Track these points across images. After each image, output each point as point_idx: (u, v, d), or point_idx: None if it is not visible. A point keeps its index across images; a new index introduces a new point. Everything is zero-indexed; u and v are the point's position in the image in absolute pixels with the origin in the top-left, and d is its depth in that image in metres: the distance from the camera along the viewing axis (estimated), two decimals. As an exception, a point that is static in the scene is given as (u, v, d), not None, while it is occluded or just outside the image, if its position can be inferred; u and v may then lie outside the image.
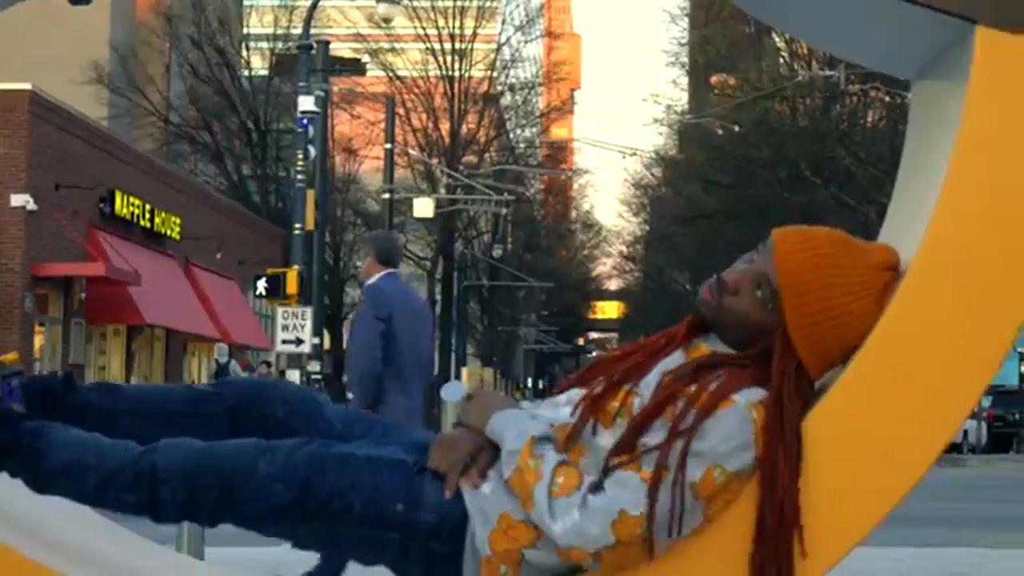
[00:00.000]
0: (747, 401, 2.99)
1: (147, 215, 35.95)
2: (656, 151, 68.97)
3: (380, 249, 8.75)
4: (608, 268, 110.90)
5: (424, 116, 58.59)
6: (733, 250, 59.25)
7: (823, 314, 3.06)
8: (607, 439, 3.06)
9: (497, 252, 66.78)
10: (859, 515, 3.00)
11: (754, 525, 2.95)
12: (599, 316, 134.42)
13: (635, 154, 50.35)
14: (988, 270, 3.05)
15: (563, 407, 3.17)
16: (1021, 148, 3.02)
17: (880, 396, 3.03)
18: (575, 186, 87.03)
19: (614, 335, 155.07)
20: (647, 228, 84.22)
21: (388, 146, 43.55)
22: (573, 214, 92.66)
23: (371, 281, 8.71)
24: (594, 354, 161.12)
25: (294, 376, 29.55)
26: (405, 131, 55.77)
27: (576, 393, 3.19)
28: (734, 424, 2.96)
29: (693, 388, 2.99)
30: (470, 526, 3.08)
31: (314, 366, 31.44)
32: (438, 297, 57.49)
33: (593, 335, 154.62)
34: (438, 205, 50.01)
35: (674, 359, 3.13)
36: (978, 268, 3.06)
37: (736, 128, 45.24)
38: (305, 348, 29.88)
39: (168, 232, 37.93)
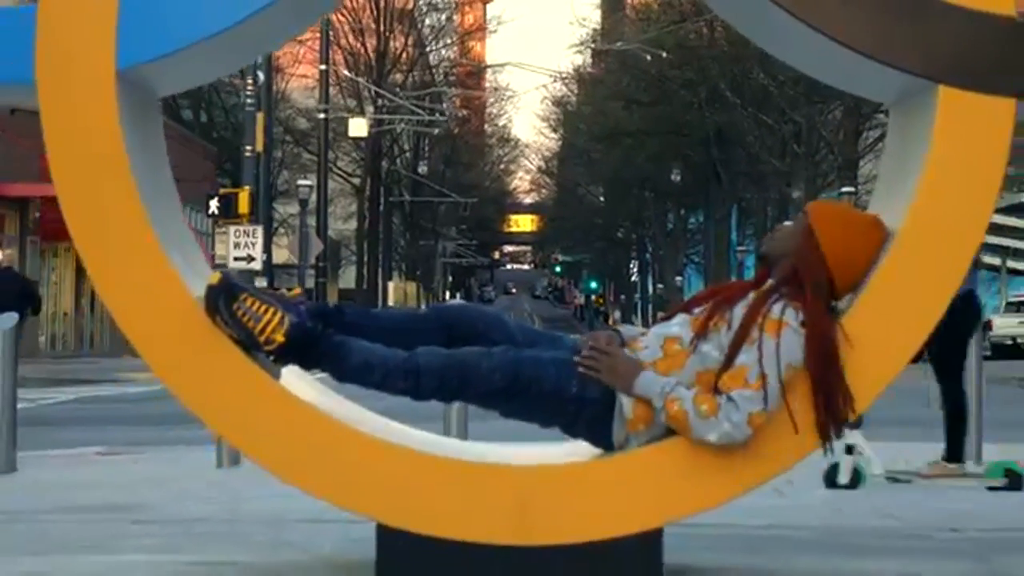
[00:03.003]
0: (796, 321, 4.77)
1: (95, 136, 37.18)
2: (577, 70, 70.49)
3: None
4: (525, 183, 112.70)
5: (351, 36, 59.74)
6: (651, 166, 60.75)
7: (847, 253, 4.84)
8: (707, 346, 4.81)
9: (422, 169, 68.31)
10: (874, 380, 4.78)
11: (815, 388, 4.74)
12: (514, 229, 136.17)
13: (565, 79, 51.81)
14: (947, 236, 4.85)
15: (673, 326, 4.94)
16: (971, 168, 4.82)
17: (886, 308, 4.82)
18: (495, 103, 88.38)
19: (528, 248, 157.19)
20: (562, 144, 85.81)
21: (323, 67, 44.80)
22: (489, 129, 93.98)
23: None
24: (509, 267, 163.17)
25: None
26: (333, 50, 56.93)
27: (682, 317, 4.96)
28: (792, 339, 4.74)
29: (761, 318, 4.75)
30: (618, 399, 4.84)
31: (261, 282, 32.96)
32: (366, 213, 58.97)
33: (508, 248, 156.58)
34: (371, 124, 51.36)
35: (750, 297, 4.91)
36: (941, 234, 4.85)
37: (664, 54, 46.88)
38: (256, 265, 31.44)
39: (113, 152, 39.13)
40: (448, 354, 4.88)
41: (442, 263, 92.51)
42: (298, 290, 5.20)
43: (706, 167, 55.15)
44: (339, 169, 60.09)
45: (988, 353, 37.76)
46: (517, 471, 4.89)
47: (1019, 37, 4.84)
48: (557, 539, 4.73)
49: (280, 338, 4.78)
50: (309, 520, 6.40)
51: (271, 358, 4.88)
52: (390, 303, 60.43)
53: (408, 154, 70.08)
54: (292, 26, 5.72)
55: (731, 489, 4.87)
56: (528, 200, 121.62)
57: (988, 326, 41.54)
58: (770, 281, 4.95)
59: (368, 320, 5.12)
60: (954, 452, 9.29)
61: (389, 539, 4.80)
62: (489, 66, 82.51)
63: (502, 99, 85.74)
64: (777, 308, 4.81)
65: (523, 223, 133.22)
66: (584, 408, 4.87)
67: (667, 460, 4.80)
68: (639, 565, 4.79)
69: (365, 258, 58.95)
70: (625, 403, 4.84)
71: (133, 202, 4.80)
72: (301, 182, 41.71)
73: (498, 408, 4.97)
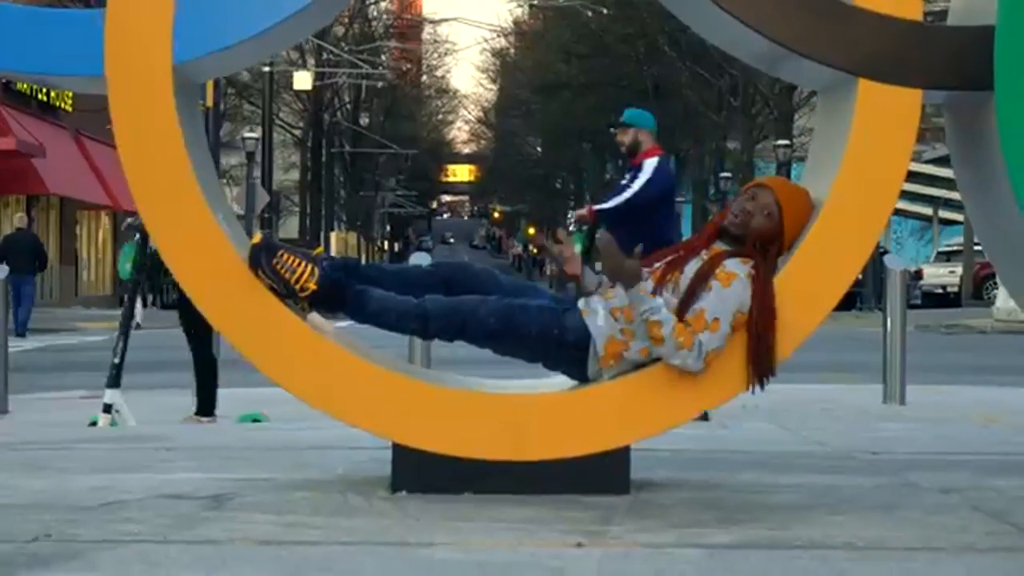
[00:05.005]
0: (744, 274, 5.75)
1: (43, 88, 37.57)
2: (516, 22, 71.14)
3: None
4: (464, 134, 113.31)
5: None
6: (589, 118, 61.59)
7: (797, 227, 5.84)
8: (665, 295, 5.76)
9: (363, 120, 68.93)
10: (802, 324, 5.79)
11: (752, 334, 5.72)
12: (452, 179, 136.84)
13: (507, 35, 52.45)
14: (864, 206, 5.83)
15: None
16: (883, 150, 5.80)
17: (813, 268, 5.81)
18: (435, 55, 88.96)
19: (466, 198, 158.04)
20: (501, 94, 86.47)
21: (267, 21, 45.29)
22: (427, 80, 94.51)
23: None
24: (446, 216, 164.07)
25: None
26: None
27: (645, 270, 5.92)
28: (741, 289, 5.73)
29: (717, 271, 5.74)
30: (592, 340, 5.81)
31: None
32: (308, 165, 59.63)
33: (447, 198, 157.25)
34: (314, 77, 51.94)
35: (701, 256, 5.88)
36: (860, 206, 5.84)
37: (604, 11, 47.74)
38: (208, 217, 32.15)
39: (61, 104, 39.65)
40: (451, 300, 5.84)
41: (381, 213, 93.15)
42: (320, 248, 6.14)
43: (644, 119, 56.01)
44: (281, 120, 60.67)
45: (918, 301, 39.17)
46: (511, 399, 5.88)
47: (924, 37, 5.83)
48: (545, 455, 5.71)
49: (312, 285, 5.73)
50: (317, 447, 7.35)
51: (302, 305, 5.84)
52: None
53: (349, 106, 70.68)
54: (318, 22, 6.62)
55: (683, 415, 5.87)
56: (467, 150, 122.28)
57: (919, 275, 42.86)
58: (722, 246, 5.90)
59: (380, 273, 6.09)
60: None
61: (403, 456, 5.77)
62: (430, 21, 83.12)
63: (441, 52, 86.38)
64: (730, 263, 5.79)
65: (461, 173, 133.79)
66: (564, 348, 5.84)
67: (634, 390, 5.79)
68: (611, 477, 5.78)
69: (307, 209, 59.65)
70: (599, 343, 5.81)
71: (187, 172, 5.73)
72: (247, 135, 42.33)
73: (491, 347, 5.93)
